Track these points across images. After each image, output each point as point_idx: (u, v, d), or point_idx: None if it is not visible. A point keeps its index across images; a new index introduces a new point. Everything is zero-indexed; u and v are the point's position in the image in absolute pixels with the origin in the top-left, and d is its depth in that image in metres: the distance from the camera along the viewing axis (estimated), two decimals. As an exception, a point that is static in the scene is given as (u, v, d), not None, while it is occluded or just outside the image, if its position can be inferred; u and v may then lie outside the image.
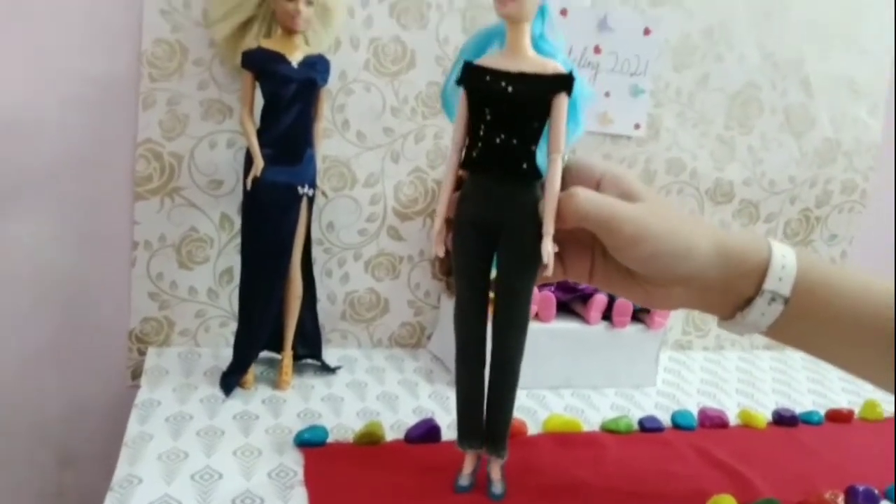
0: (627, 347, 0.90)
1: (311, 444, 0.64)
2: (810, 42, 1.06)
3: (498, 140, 0.43)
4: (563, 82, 0.43)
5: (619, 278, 0.44)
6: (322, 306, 0.90)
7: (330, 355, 0.88)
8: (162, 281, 0.83)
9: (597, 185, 0.43)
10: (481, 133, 0.44)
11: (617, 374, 0.90)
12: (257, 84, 0.73)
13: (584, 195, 0.41)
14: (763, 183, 1.09)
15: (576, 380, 0.88)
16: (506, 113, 0.43)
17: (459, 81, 0.44)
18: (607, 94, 0.96)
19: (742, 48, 1.02)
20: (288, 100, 0.72)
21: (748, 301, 0.39)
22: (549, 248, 0.42)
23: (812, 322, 0.39)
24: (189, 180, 0.81)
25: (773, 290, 0.38)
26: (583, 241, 0.45)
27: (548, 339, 0.86)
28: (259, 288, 0.75)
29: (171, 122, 0.79)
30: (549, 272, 0.42)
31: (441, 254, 0.45)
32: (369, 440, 0.66)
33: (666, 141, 1.02)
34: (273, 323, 0.78)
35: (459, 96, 0.45)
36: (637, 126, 0.99)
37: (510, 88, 0.42)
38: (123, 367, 0.85)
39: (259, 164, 0.71)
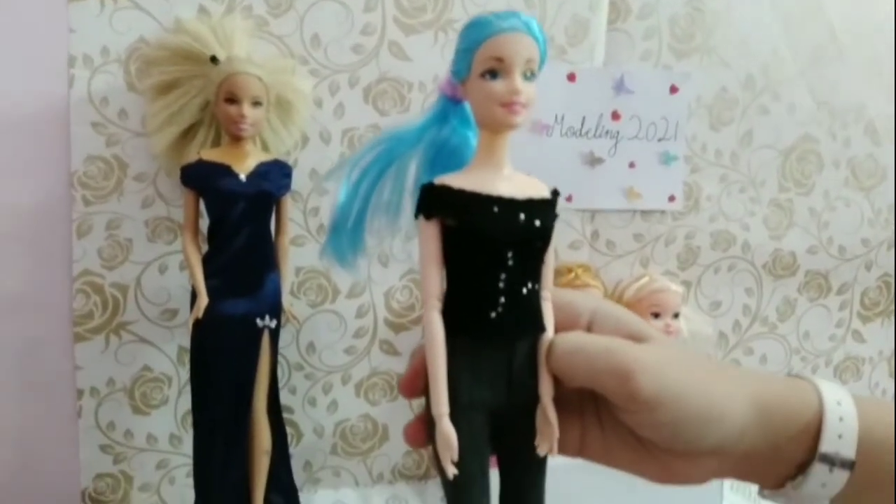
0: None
1: None
2: (871, 83, 0.89)
3: (525, 290, 0.31)
4: (556, 203, 0.32)
5: (623, 450, 0.33)
6: (308, 441, 0.77)
7: (319, 500, 0.74)
8: (114, 431, 0.71)
9: (587, 329, 0.33)
10: (500, 285, 0.31)
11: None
12: (203, 202, 0.62)
13: (575, 339, 0.31)
14: (831, 250, 0.92)
15: (619, 522, 0.72)
16: (530, 254, 0.32)
17: (427, 212, 0.30)
18: (632, 165, 0.81)
19: (791, 97, 0.86)
20: (237, 219, 0.60)
21: (801, 468, 0.31)
22: (550, 416, 0.30)
23: (888, 491, 0.30)
24: (137, 313, 0.69)
25: (833, 454, 0.30)
26: (568, 401, 0.33)
27: (580, 475, 0.70)
28: (215, 448, 0.61)
29: (111, 249, 0.68)
30: (553, 450, 0.31)
31: (455, 472, 0.30)
32: None
33: (708, 211, 0.86)
34: (239, 484, 0.64)
35: (411, 228, 0.32)
36: (672, 198, 0.84)
37: (537, 222, 0.31)
38: (78, 533, 0.73)
39: (202, 301, 0.59)
